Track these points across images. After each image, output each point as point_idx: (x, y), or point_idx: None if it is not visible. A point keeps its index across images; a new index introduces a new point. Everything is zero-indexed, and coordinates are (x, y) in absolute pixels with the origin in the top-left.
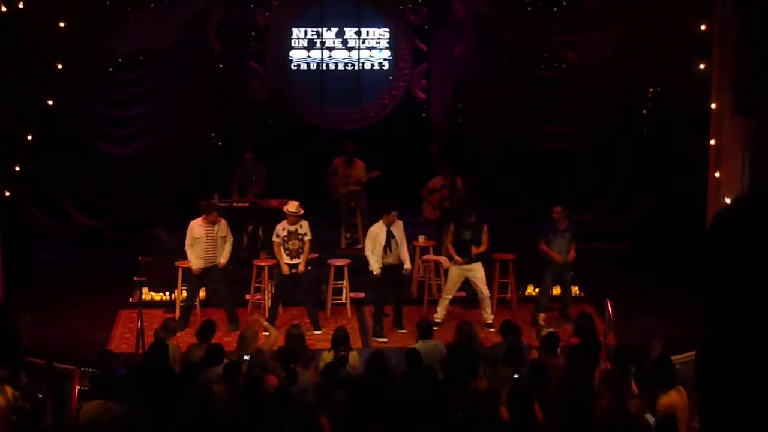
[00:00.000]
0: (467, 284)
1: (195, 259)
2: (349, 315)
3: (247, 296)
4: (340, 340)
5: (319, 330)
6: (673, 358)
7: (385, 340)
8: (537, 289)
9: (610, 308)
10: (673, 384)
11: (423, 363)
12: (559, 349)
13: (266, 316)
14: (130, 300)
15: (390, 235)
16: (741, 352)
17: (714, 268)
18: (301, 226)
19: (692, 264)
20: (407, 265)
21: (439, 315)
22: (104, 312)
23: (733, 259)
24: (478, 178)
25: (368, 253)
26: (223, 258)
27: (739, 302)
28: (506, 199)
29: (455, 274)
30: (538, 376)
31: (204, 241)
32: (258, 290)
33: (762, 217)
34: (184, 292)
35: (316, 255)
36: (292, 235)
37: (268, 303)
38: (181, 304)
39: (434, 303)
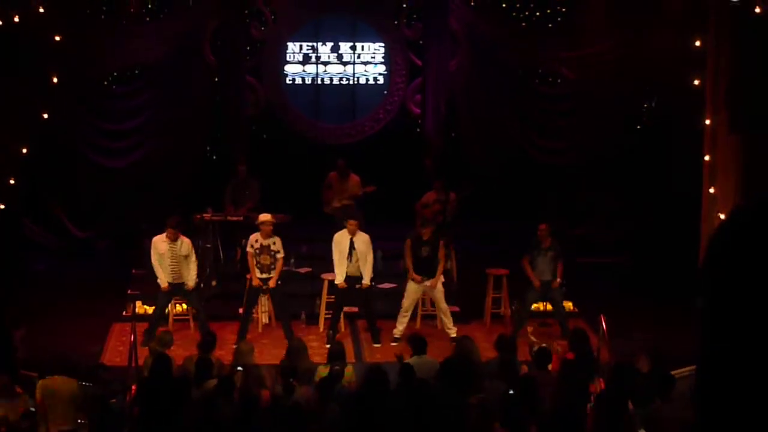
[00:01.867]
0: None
1: (164, 275)
2: (343, 329)
3: (240, 310)
4: (336, 355)
5: None
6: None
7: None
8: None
9: (603, 323)
10: (669, 396)
11: (416, 378)
12: (551, 365)
13: (259, 330)
14: (124, 313)
15: (351, 246)
16: (742, 367)
17: (716, 280)
18: (274, 243)
19: (687, 279)
20: (365, 280)
21: (398, 331)
22: (97, 325)
23: (734, 272)
24: (470, 188)
25: (334, 260)
26: (190, 281)
27: (741, 315)
28: (500, 213)
29: (412, 290)
30: (529, 391)
31: (168, 257)
32: None
33: (761, 228)
34: (177, 306)
35: (310, 269)
36: (264, 250)
37: (262, 318)
38: (175, 317)
39: (429, 318)
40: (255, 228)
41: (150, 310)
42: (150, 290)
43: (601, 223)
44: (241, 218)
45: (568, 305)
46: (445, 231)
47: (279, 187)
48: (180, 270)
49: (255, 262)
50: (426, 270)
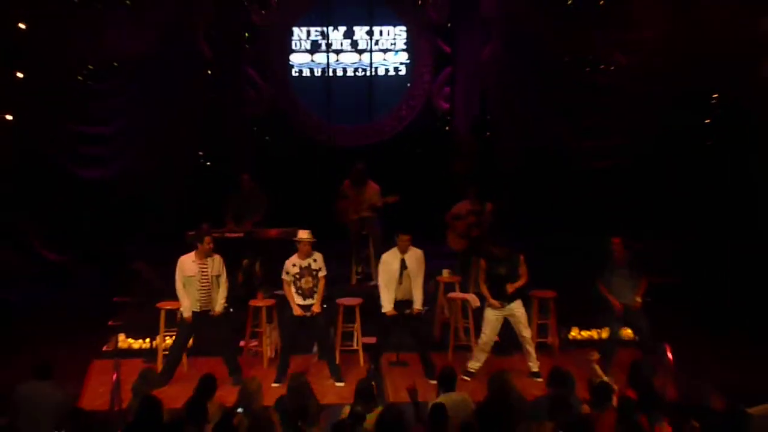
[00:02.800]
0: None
1: (190, 303)
2: (362, 364)
3: (242, 342)
4: (363, 394)
5: (342, 381)
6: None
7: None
8: (582, 332)
9: (669, 354)
10: None
11: (449, 420)
12: (613, 402)
13: (264, 365)
14: (104, 348)
15: (403, 266)
16: None
17: None
18: (314, 260)
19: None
20: (416, 304)
21: (474, 366)
22: (74, 362)
23: None
24: (508, 201)
25: (380, 285)
26: (218, 306)
27: None
28: (544, 225)
29: (492, 318)
30: None
31: (198, 281)
32: (255, 336)
33: None
34: (167, 338)
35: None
36: (304, 272)
37: (267, 351)
38: (164, 353)
39: (462, 349)
40: (258, 246)
41: (135, 343)
42: (135, 321)
43: (659, 237)
44: (242, 235)
45: (627, 332)
46: (480, 247)
47: (285, 197)
48: (211, 293)
49: (294, 289)
50: (498, 293)
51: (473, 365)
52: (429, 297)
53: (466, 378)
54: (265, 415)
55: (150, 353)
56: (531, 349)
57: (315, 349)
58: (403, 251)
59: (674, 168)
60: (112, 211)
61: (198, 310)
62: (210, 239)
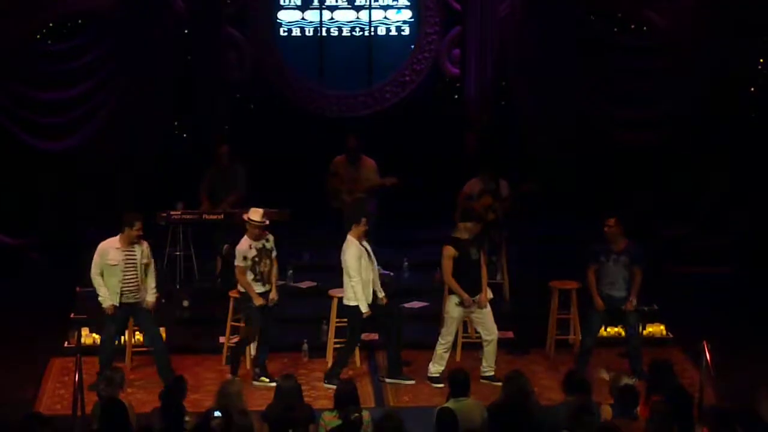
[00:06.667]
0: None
1: (110, 293)
2: (358, 363)
3: (222, 339)
4: (348, 398)
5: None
6: None
7: (333, 387)
8: (609, 329)
9: (707, 354)
10: None
11: (459, 428)
12: (639, 408)
13: (247, 365)
14: (66, 344)
15: (368, 256)
16: None
17: None
18: (267, 240)
19: None
20: (382, 294)
21: (437, 369)
22: (31, 361)
23: None
24: (534, 183)
25: (349, 277)
26: (150, 295)
27: None
28: (567, 208)
29: (458, 315)
30: None
31: (122, 270)
32: (236, 331)
33: None
34: (137, 333)
35: (314, 284)
36: (262, 254)
37: (251, 349)
38: (134, 349)
39: (472, 347)
40: (238, 229)
41: (100, 339)
42: (100, 313)
43: (702, 222)
44: (221, 216)
45: (660, 329)
46: (495, 231)
47: (271, 174)
48: (139, 284)
49: (253, 276)
50: (472, 283)
51: (436, 369)
52: (438, 289)
53: (437, 385)
54: (244, 421)
55: (117, 350)
56: (492, 351)
57: (305, 346)
58: (363, 238)
59: (721, 141)
60: (73, 189)
61: (126, 301)
62: (141, 225)
